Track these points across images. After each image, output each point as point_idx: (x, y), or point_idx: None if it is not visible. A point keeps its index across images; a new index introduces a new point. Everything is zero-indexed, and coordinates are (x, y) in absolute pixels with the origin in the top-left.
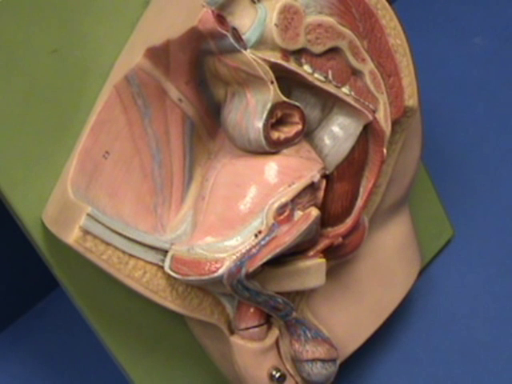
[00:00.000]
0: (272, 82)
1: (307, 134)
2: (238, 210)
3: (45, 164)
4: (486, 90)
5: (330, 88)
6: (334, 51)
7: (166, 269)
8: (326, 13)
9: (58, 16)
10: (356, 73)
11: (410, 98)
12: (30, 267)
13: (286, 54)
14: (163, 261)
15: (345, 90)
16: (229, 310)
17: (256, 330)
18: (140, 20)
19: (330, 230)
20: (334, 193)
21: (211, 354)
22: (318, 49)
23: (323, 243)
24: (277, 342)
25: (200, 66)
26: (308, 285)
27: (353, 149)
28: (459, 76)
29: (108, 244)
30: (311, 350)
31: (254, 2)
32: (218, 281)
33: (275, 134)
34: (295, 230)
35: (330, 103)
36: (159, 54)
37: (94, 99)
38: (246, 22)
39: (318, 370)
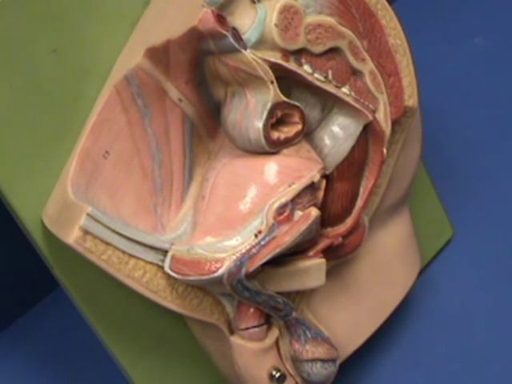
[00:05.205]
0: (272, 82)
1: (307, 134)
2: (237, 209)
3: (45, 164)
4: (486, 90)
5: (330, 88)
6: (334, 51)
7: (166, 269)
8: (326, 13)
9: (58, 16)
10: (356, 73)
11: (410, 98)
12: (30, 267)
13: (286, 53)
14: (163, 261)
15: (345, 90)
16: (229, 309)
17: (256, 329)
18: (140, 20)
19: (329, 230)
20: (333, 193)
21: (211, 354)
22: (318, 49)
23: (323, 243)
24: (277, 342)
25: (200, 66)
26: (308, 285)
27: (353, 149)
28: (459, 76)
29: (108, 244)
30: (311, 350)
31: (254, 2)
32: (218, 281)
33: (275, 134)
34: (295, 230)
35: (330, 103)
36: (159, 54)
37: (94, 99)
38: (246, 22)
39: (317, 370)
